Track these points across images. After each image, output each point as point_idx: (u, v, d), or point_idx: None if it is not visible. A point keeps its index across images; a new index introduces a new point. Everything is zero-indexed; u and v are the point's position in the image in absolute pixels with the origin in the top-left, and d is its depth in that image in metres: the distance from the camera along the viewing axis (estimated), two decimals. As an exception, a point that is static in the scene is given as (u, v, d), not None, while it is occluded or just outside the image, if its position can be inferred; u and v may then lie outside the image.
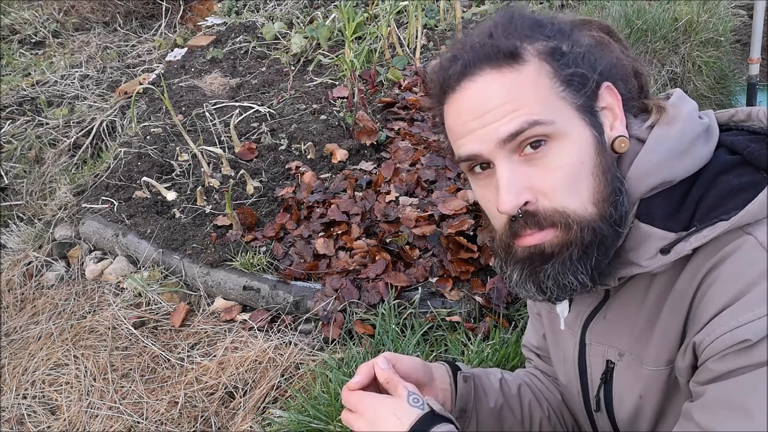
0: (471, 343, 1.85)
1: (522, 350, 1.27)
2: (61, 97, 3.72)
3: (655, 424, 0.90)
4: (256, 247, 2.34)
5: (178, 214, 2.58)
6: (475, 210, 2.18)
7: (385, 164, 2.59)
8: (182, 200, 2.66)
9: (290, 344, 2.05)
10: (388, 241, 2.21)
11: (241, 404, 1.95)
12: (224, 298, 2.29)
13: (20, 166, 3.31)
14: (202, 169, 2.74)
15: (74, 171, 3.20)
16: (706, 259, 0.76)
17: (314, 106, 3.10)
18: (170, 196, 2.70)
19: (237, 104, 3.25)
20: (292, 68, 3.54)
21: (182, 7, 4.89)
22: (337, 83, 3.28)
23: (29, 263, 2.74)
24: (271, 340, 2.07)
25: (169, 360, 2.14)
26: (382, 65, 3.30)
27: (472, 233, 2.12)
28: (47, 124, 3.44)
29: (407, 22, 3.57)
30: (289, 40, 3.77)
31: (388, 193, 2.43)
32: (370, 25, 3.66)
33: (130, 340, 2.24)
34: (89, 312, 2.41)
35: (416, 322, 1.94)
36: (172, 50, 4.15)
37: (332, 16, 3.85)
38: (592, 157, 0.80)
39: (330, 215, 2.36)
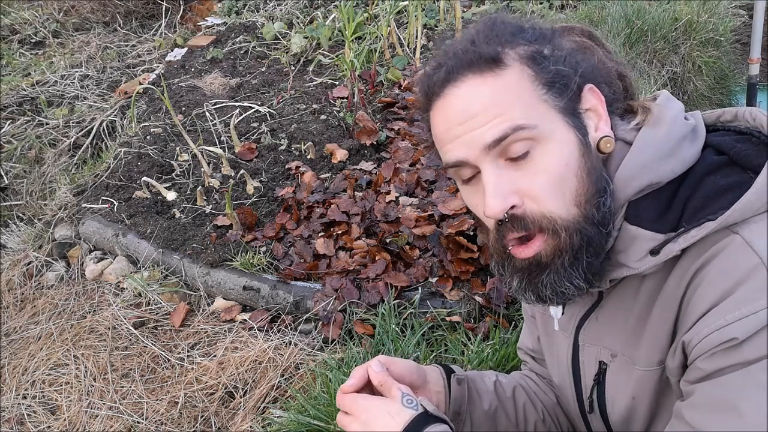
0: (471, 343, 1.85)
1: (518, 353, 1.28)
2: (61, 97, 3.72)
3: (648, 425, 0.90)
4: (256, 247, 2.34)
5: (178, 214, 2.58)
6: (475, 210, 2.18)
7: (385, 164, 2.59)
8: (182, 200, 2.66)
9: (290, 344, 2.05)
10: (388, 241, 2.21)
11: (241, 404, 1.95)
12: (224, 298, 2.30)
13: (20, 166, 3.31)
14: (202, 169, 2.74)
15: (74, 171, 3.20)
16: (695, 259, 0.76)
17: (314, 106, 3.10)
18: (170, 196, 2.70)
19: (237, 104, 3.25)
20: (292, 68, 3.54)
21: (182, 7, 4.89)
22: (337, 83, 3.28)
23: (29, 263, 2.74)
24: (271, 340, 2.07)
25: (169, 360, 2.14)
26: (382, 65, 3.30)
27: (472, 233, 2.12)
28: (47, 124, 3.44)
29: (407, 22, 3.57)
30: (289, 40, 3.77)
31: (388, 193, 2.43)
32: (370, 25, 3.66)
33: (130, 340, 2.24)
34: (89, 312, 2.41)
35: (416, 322, 1.94)
36: (172, 50, 4.15)
37: (332, 16, 3.85)
38: (577, 158, 0.81)
39: (330, 215, 2.36)
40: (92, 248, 2.70)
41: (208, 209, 2.57)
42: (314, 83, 3.34)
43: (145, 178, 2.71)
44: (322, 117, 2.98)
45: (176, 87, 3.53)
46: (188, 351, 2.16)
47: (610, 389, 0.93)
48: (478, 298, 2.00)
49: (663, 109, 0.85)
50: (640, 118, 0.86)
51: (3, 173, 3.28)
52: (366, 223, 2.30)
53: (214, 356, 2.10)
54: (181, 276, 2.38)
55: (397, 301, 2.01)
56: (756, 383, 0.68)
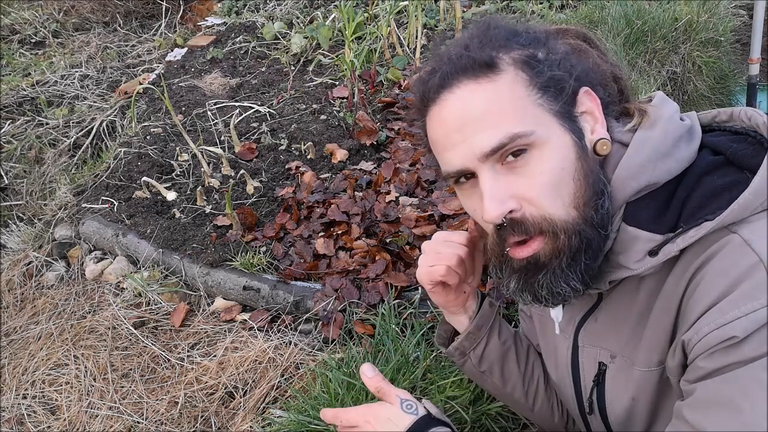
0: (471, 343, 1.85)
1: None
2: (61, 97, 3.72)
3: (648, 425, 0.90)
4: (256, 247, 2.34)
5: (178, 214, 2.58)
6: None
7: (385, 164, 2.59)
8: (182, 200, 2.66)
9: (290, 344, 2.05)
10: (388, 241, 2.21)
11: (241, 404, 1.95)
12: (224, 298, 2.30)
13: (20, 166, 3.31)
14: (202, 169, 2.74)
15: (74, 171, 3.20)
16: (693, 259, 0.77)
17: (314, 106, 3.10)
18: (170, 196, 2.70)
19: (237, 104, 3.25)
20: (292, 68, 3.54)
21: (182, 7, 4.89)
22: (337, 83, 3.28)
23: (29, 263, 2.74)
24: (271, 340, 2.07)
25: (169, 360, 2.14)
26: (382, 65, 3.30)
27: (472, 233, 2.12)
28: (47, 124, 3.44)
29: (407, 22, 3.57)
30: (289, 40, 3.77)
31: (388, 193, 2.43)
32: (370, 25, 3.66)
33: (130, 340, 2.24)
34: (89, 312, 2.41)
35: (416, 322, 1.94)
36: (172, 50, 4.15)
37: (332, 16, 3.85)
38: (573, 161, 0.81)
39: (330, 215, 2.36)
40: (92, 248, 2.70)
41: (208, 209, 2.57)
42: (314, 83, 3.34)
43: (145, 178, 2.71)
44: (322, 117, 2.98)
45: (176, 87, 3.53)
46: (188, 351, 2.16)
47: (609, 390, 0.93)
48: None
49: (658, 110, 0.86)
50: (636, 120, 0.86)
51: (3, 173, 3.28)
52: (366, 223, 2.30)
53: (214, 356, 2.10)
54: (181, 276, 2.38)
55: (397, 301, 2.01)
56: (756, 381, 0.68)
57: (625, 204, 0.83)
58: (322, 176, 2.65)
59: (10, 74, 4.10)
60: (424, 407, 0.90)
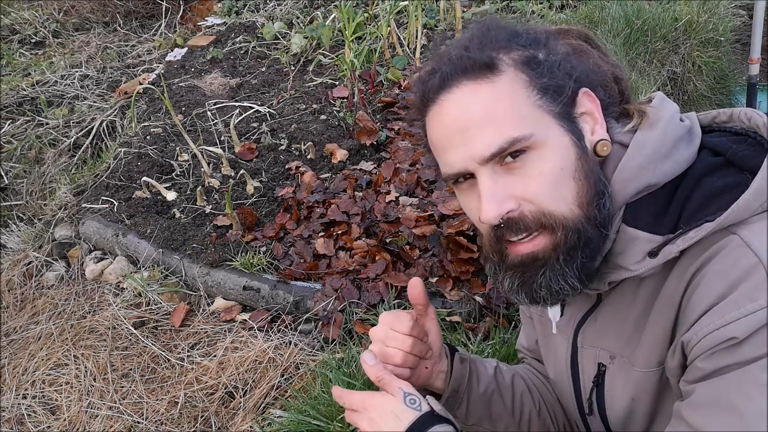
0: (471, 343, 1.85)
1: (517, 353, 1.28)
2: (61, 97, 3.72)
3: (647, 426, 0.90)
4: (256, 247, 2.34)
5: (178, 214, 2.58)
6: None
7: (385, 164, 2.59)
8: (182, 200, 2.66)
9: (290, 344, 2.05)
10: (388, 241, 2.21)
11: (241, 404, 1.95)
12: (224, 298, 2.30)
13: (20, 166, 3.31)
14: (202, 169, 2.74)
15: (74, 171, 3.20)
16: (693, 260, 0.76)
17: (314, 106, 3.10)
18: (170, 196, 2.70)
19: (237, 104, 3.25)
20: (292, 68, 3.54)
21: (182, 7, 4.89)
22: (337, 83, 3.28)
23: (29, 263, 2.74)
24: (271, 340, 2.07)
25: (169, 360, 2.14)
26: (382, 65, 3.30)
27: (472, 233, 2.12)
28: (47, 124, 3.44)
29: (407, 22, 3.57)
30: (289, 40, 3.77)
31: (388, 193, 2.43)
32: (370, 25, 3.66)
33: (130, 340, 2.24)
34: (89, 312, 2.41)
35: (416, 322, 1.94)
36: (172, 50, 4.15)
37: (332, 16, 3.85)
38: (573, 162, 0.81)
39: (330, 215, 2.36)
40: (92, 248, 2.70)
41: (208, 209, 2.57)
42: (314, 83, 3.34)
43: (145, 178, 2.71)
44: (322, 117, 2.98)
45: (176, 87, 3.53)
46: (188, 351, 2.16)
47: (609, 391, 0.93)
48: (478, 298, 2.00)
49: (658, 111, 0.85)
50: (636, 121, 0.86)
51: (3, 173, 3.28)
52: (366, 223, 2.30)
53: (214, 356, 2.10)
54: (181, 276, 2.38)
55: (397, 301, 2.01)
56: (756, 382, 0.68)
57: (624, 205, 0.83)
58: (322, 176, 2.65)
59: (10, 74, 4.10)
60: (428, 403, 0.89)
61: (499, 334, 1.85)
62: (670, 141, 0.82)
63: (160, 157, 2.94)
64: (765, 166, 0.74)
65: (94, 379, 2.14)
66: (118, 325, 2.30)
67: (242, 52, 3.89)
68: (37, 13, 4.87)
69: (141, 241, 2.49)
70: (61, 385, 2.15)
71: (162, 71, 3.79)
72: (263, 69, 3.64)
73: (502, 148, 0.78)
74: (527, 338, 1.21)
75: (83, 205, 2.81)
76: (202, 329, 2.22)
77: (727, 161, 0.81)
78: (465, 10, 3.82)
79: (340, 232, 2.30)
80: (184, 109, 3.28)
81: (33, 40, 4.66)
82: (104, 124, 3.37)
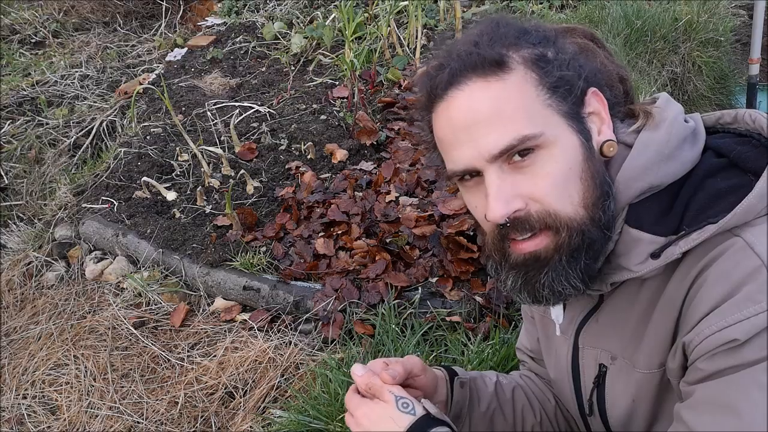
0: (471, 344, 1.85)
1: (516, 353, 1.28)
2: (61, 97, 3.72)
3: (648, 427, 0.90)
4: (256, 247, 2.34)
5: (178, 214, 2.58)
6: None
7: (385, 164, 2.59)
8: (182, 200, 2.66)
9: (290, 344, 2.05)
10: (388, 241, 2.21)
11: (241, 404, 1.95)
12: (224, 298, 2.29)
13: (20, 166, 3.31)
14: (202, 169, 2.74)
15: (74, 171, 3.20)
16: (696, 262, 0.76)
17: (314, 106, 3.10)
18: (170, 196, 2.70)
19: (237, 104, 3.25)
20: (292, 68, 3.54)
21: (182, 7, 4.89)
22: (337, 83, 3.28)
23: (29, 263, 2.74)
24: (271, 340, 2.07)
25: (169, 360, 2.14)
26: (382, 65, 3.30)
27: (472, 233, 2.12)
28: (47, 124, 3.44)
29: (407, 22, 3.57)
30: (289, 40, 3.77)
31: (388, 193, 2.43)
32: (370, 25, 3.66)
33: (130, 340, 2.24)
34: (89, 312, 2.41)
35: (416, 322, 1.94)
36: (172, 50, 4.15)
37: (332, 16, 3.85)
38: (580, 162, 0.81)
39: (330, 215, 2.36)
40: (92, 248, 2.70)
41: (208, 209, 2.57)
42: (314, 83, 3.34)
43: (145, 178, 2.71)
44: (322, 117, 2.98)
45: (176, 87, 3.53)
46: (188, 351, 2.16)
47: (610, 392, 0.93)
48: (478, 298, 2.00)
49: (663, 111, 0.85)
50: (641, 122, 0.85)
51: (3, 173, 3.28)
52: (366, 223, 2.30)
53: (214, 356, 2.10)
54: (181, 276, 2.38)
55: (397, 301, 2.01)
56: (756, 384, 0.68)
57: (627, 205, 0.83)
58: (322, 176, 2.65)
59: (10, 74, 4.10)
60: (423, 407, 0.89)
61: (499, 334, 1.85)
62: (675, 142, 0.82)
63: (160, 157, 2.94)
64: None
65: (94, 379, 2.14)
66: (118, 325, 2.30)
67: (242, 52, 3.89)
68: (37, 13, 4.87)
69: (141, 241, 2.49)
70: (61, 385, 2.15)
71: (162, 71, 3.79)
72: (263, 69, 3.64)
73: (511, 145, 0.78)
74: (528, 337, 1.21)
75: (83, 205, 2.81)
76: (202, 329, 2.22)
77: (731, 163, 0.80)
78: (465, 10, 3.82)
79: (340, 232, 2.30)
80: (184, 109, 3.28)
81: (33, 40, 4.66)
82: (104, 124, 3.37)
